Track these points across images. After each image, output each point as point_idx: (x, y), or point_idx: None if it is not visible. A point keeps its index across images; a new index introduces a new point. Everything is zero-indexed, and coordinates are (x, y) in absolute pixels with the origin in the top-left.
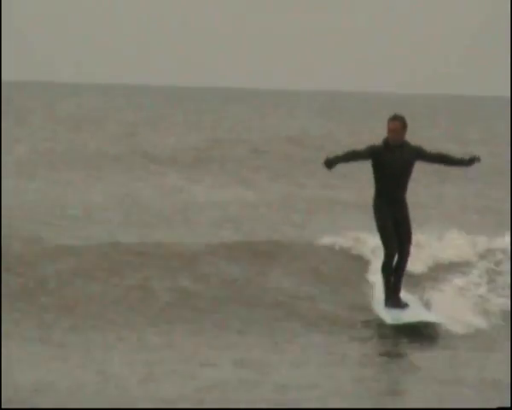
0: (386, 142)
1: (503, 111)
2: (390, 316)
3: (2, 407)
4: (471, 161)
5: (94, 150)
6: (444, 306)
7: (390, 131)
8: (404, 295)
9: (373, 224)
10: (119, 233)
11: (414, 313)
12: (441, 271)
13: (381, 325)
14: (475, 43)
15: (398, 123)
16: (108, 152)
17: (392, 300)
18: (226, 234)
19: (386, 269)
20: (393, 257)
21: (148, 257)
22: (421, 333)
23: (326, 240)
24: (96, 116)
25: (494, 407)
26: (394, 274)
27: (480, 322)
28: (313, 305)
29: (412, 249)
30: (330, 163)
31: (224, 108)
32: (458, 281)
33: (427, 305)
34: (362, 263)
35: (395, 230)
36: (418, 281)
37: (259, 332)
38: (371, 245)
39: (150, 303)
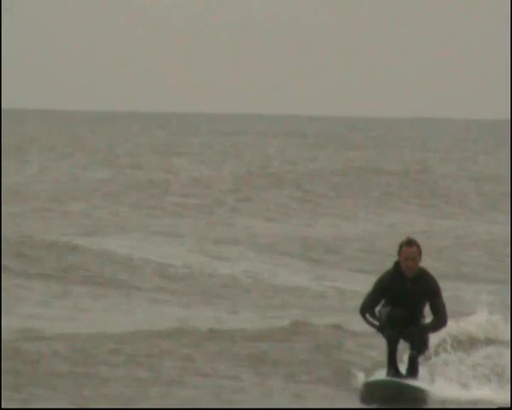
0: (397, 269)
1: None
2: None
3: (3, 406)
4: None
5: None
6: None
7: (406, 258)
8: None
9: None
10: None
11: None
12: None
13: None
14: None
15: (415, 249)
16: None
17: (393, 371)
18: None
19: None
20: (392, 342)
21: None
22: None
23: None
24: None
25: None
26: (408, 355)
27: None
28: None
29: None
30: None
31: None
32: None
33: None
34: None
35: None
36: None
37: None
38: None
39: None
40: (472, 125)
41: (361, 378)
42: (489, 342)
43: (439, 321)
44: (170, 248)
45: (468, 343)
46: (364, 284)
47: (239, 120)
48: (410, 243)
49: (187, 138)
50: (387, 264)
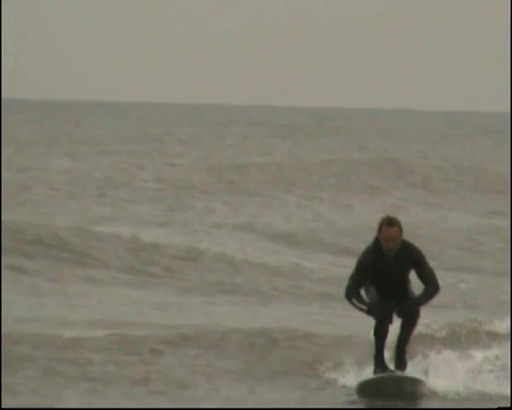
0: (377, 247)
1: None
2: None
3: (2, 407)
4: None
5: None
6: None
7: (386, 239)
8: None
9: None
10: None
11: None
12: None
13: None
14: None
15: (396, 229)
16: None
17: (381, 368)
18: None
19: (377, 331)
20: (383, 320)
21: None
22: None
23: None
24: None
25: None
26: (397, 339)
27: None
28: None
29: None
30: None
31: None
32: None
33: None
34: None
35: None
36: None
37: None
38: None
39: None
40: (432, 116)
41: (349, 365)
42: (482, 334)
43: (432, 289)
44: (146, 231)
45: (460, 335)
46: (327, 264)
47: (200, 110)
48: (390, 222)
49: (147, 128)
50: (358, 246)
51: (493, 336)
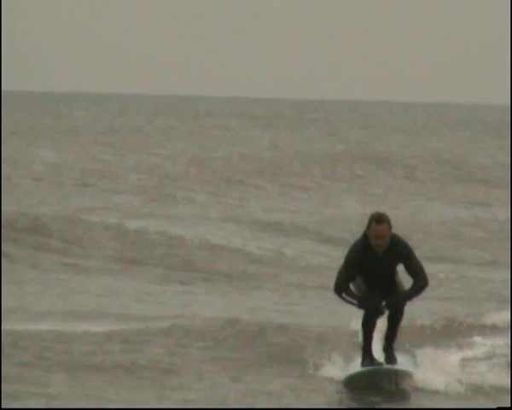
0: (366, 243)
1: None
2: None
3: (2, 407)
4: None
5: None
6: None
7: (376, 237)
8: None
9: None
10: None
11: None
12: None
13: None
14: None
15: (386, 226)
16: None
17: (368, 360)
18: None
19: (365, 323)
20: (374, 312)
21: None
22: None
23: None
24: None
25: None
26: (385, 332)
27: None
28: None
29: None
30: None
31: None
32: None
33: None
34: None
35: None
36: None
37: None
38: None
39: None
40: (413, 107)
41: (334, 356)
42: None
43: (421, 283)
44: (129, 220)
45: (455, 328)
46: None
47: (180, 101)
48: (380, 219)
49: (127, 119)
50: (340, 234)
51: (491, 329)
